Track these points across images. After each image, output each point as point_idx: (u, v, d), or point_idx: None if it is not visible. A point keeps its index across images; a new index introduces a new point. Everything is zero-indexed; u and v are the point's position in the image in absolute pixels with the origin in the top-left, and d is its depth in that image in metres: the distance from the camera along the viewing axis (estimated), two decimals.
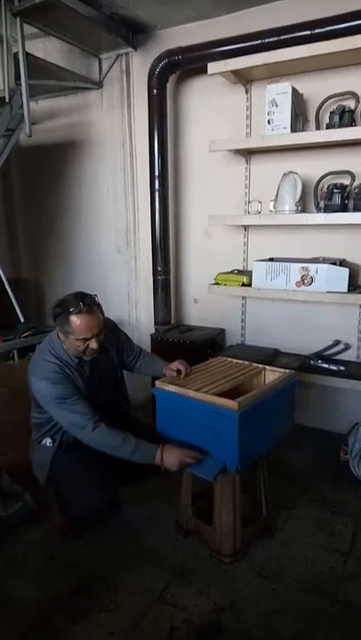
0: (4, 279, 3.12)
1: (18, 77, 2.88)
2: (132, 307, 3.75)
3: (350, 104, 2.59)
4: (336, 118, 2.57)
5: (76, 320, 1.87)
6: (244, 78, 2.91)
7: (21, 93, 2.89)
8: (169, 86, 3.14)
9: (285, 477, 2.58)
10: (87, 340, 1.91)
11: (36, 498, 2.27)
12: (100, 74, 3.55)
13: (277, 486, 2.37)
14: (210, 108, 3.16)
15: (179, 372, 2.08)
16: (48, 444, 2.05)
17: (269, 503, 2.13)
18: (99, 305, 1.97)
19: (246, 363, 2.25)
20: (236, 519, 1.93)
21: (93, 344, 1.92)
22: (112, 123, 3.57)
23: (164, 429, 2.01)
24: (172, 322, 3.45)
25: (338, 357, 2.92)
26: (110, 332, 2.15)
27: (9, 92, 2.87)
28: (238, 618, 1.71)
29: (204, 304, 3.45)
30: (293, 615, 1.72)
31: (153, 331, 3.36)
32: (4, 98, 2.87)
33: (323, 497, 2.43)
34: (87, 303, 1.89)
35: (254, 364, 2.22)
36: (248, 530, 2.02)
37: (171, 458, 1.82)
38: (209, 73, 2.77)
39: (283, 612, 1.73)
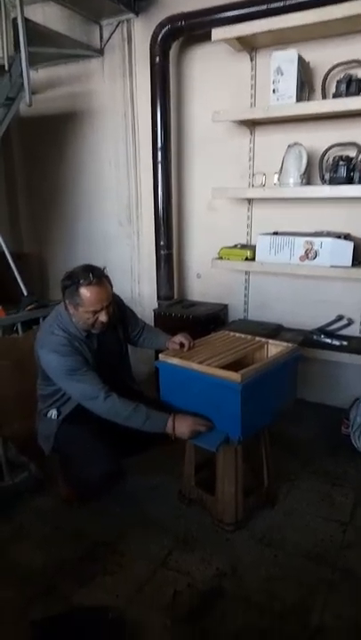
0: (6, 253, 3.10)
1: (17, 44, 2.80)
2: (135, 282, 3.74)
3: (358, 72, 2.52)
4: (343, 87, 2.50)
5: (85, 292, 1.87)
6: (249, 46, 2.82)
7: (21, 61, 2.81)
8: (172, 54, 3.05)
9: (287, 450, 2.61)
10: (97, 312, 1.91)
11: (41, 468, 2.31)
12: (100, 41, 3.45)
13: (279, 459, 2.40)
14: (214, 77, 3.08)
15: (182, 345, 2.09)
16: (53, 416, 2.07)
17: (271, 474, 2.16)
18: (107, 277, 1.97)
19: (249, 336, 2.25)
20: (238, 489, 1.96)
21: (103, 317, 1.92)
22: (113, 92, 3.49)
23: (167, 401, 2.02)
24: (175, 297, 3.44)
25: (341, 332, 2.92)
26: (117, 307, 2.15)
27: (8, 60, 2.79)
28: (240, 583, 1.76)
29: (207, 279, 3.43)
30: (294, 581, 1.76)
31: (156, 306, 3.36)
32: (4, 66, 2.79)
33: (324, 469, 2.46)
34: (97, 275, 1.89)
35: (257, 338, 2.22)
36: (250, 500, 2.06)
37: (182, 426, 1.84)
38: (213, 40, 2.69)
39: (283, 578, 1.78)
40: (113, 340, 2.14)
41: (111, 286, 1.98)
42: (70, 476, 2.13)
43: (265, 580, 1.76)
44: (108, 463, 1.92)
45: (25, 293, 3.08)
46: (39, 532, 2.05)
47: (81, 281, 1.86)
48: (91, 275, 1.87)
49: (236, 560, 1.86)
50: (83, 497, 2.17)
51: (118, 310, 2.17)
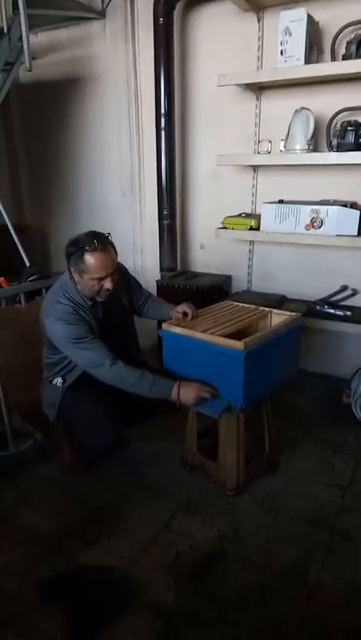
0: (8, 224, 3.08)
1: (15, 6, 2.70)
2: (138, 253, 3.71)
3: None
4: (353, 48, 2.41)
5: (90, 258, 1.86)
6: (256, 5, 2.72)
7: (20, 24, 2.72)
8: (176, 14, 2.95)
9: (289, 419, 2.63)
10: (102, 279, 1.90)
11: (46, 436, 2.34)
12: (102, 2, 3.34)
13: (281, 427, 2.42)
14: (219, 39, 2.98)
15: (185, 314, 2.09)
16: (59, 383, 2.09)
17: (273, 442, 2.19)
18: (112, 244, 1.95)
19: (253, 306, 2.24)
20: (240, 455, 1.99)
21: (108, 284, 1.92)
22: (116, 56, 3.39)
23: (170, 370, 2.03)
24: (178, 268, 3.42)
25: (345, 303, 2.90)
26: (121, 276, 2.14)
27: (7, 22, 2.70)
28: (241, 545, 1.80)
29: (210, 249, 3.40)
30: (293, 543, 1.80)
31: (159, 277, 3.34)
32: (2, 29, 2.71)
33: (325, 437, 2.49)
34: (101, 241, 1.88)
35: (261, 308, 2.21)
36: (251, 466, 2.09)
37: (188, 393, 1.85)
38: None
39: (283, 540, 1.82)
40: (118, 309, 2.14)
41: (116, 253, 1.96)
42: (74, 443, 2.16)
43: (265, 542, 1.81)
44: (111, 431, 1.95)
45: (27, 264, 3.07)
46: (45, 497, 2.09)
47: (85, 247, 1.85)
48: (95, 241, 1.85)
49: (237, 523, 1.90)
50: (86, 464, 2.21)
51: (123, 279, 2.17)
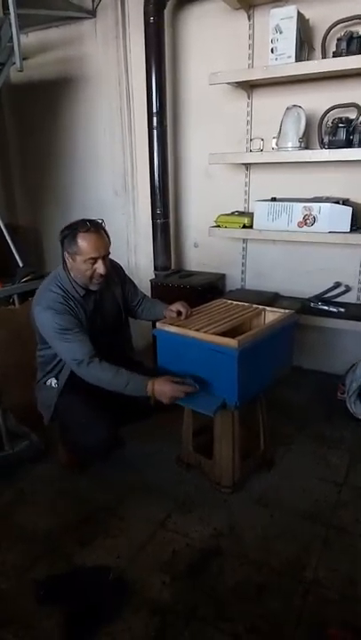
0: (1, 225, 3.06)
1: (5, 6, 2.69)
2: (131, 252, 3.71)
3: (359, 30, 2.43)
4: (343, 45, 2.42)
5: (83, 239, 1.89)
6: (246, 3, 2.72)
7: (10, 24, 2.71)
8: (166, 13, 2.94)
9: (284, 415, 2.65)
10: (95, 261, 1.92)
11: (41, 437, 2.34)
12: (92, 2, 3.33)
13: (276, 423, 2.44)
14: (210, 38, 2.98)
15: (179, 313, 2.09)
16: (53, 384, 2.09)
17: (268, 438, 2.20)
18: (105, 230, 1.98)
19: (246, 304, 2.25)
20: (235, 452, 2.00)
21: (101, 267, 1.93)
22: (107, 55, 3.38)
23: (165, 369, 2.03)
24: (172, 267, 3.42)
25: (338, 300, 2.92)
26: (115, 272, 2.17)
27: None
28: (237, 542, 1.81)
29: (204, 248, 3.40)
30: (290, 539, 1.81)
31: (152, 276, 3.34)
32: None
33: (320, 433, 2.50)
34: (94, 224, 1.93)
35: (254, 305, 2.22)
36: (247, 463, 2.10)
37: (162, 390, 1.84)
38: None
39: (279, 536, 1.83)
40: (110, 304, 2.15)
41: (108, 239, 1.99)
42: (69, 443, 2.16)
43: (261, 539, 1.81)
44: (105, 430, 1.95)
45: (21, 265, 3.06)
46: (41, 497, 2.09)
47: (79, 228, 1.90)
48: (88, 223, 1.92)
49: (233, 520, 1.91)
50: (82, 463, 2.21)
51: (117, 276, 2.19)
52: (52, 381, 2.09)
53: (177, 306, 2.11)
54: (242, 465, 2.05)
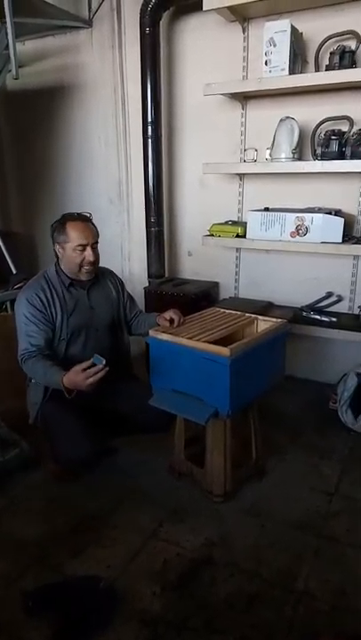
0: None
1: (2, 15, 2.71)
2: (125, 260, 3.72)
3: (351, 44, 2.48)
4: (336, 59, 2.46)
5: (71, 227, 2.00)
6: (241, 16, 2.76)
7: (7, 32, 2.74)
8: (162, 24, 2.98)
9: (276, 425, 2.64)
10: (83, 248, 2.00)
11: (33, 445, 2.32)
12: (89, 11, 3.36)
13: (268, 433, 2.43)
14: (205, 50, 3.02)
15: (172, 320, 2.09)
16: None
17: (260, 448, 2.20)
18: (93, 223, 2.08)
19: (239, 313, 2.26)
20: (227, 461, 1.99)
21: (90, 255, 2.01)
22: (103, 65, 3.41)
23: (157, 377, 2.04)
24: (166, 275, 3.43)
25: (330, 309, 2.94)
26: (110, 275, 2.27)
27: None
28: (228, 551, 1.80)
29: (198, 257, 3.42)
30: (281, 549, 1.81)
31: (146, 284, 3.35)
32: None
33: (311, 443, 2.51)
34: (81, 215, 2.06)
35: (247, 314, 2.23)
36: (238, 472, 2.10)
37: (73, 381, 1.82)
38: (204, 9, 2.62)
39: (271, 546, 1.82)
40: (103, 303, 2.19)
41: (97, 231, 2.08)
42: (53, 453, 2.16)
43: (253, 548, 1.81)
44: (87, 444, 1.95)
45: (14, 272, 3.07)
46: (31, 505, 2.07)
47: (67, 218, 2.03)
48: (76, 214, 2.05)
49: (224, 530, 1.90)
50: (70, 473, 2.19)
51: (114, 281, 2.27)
52: None
53: (169, 313, 2.12)
54: (233, 474, 2.05)
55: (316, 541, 1.84)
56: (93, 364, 1.82)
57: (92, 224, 2.08)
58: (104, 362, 1.81)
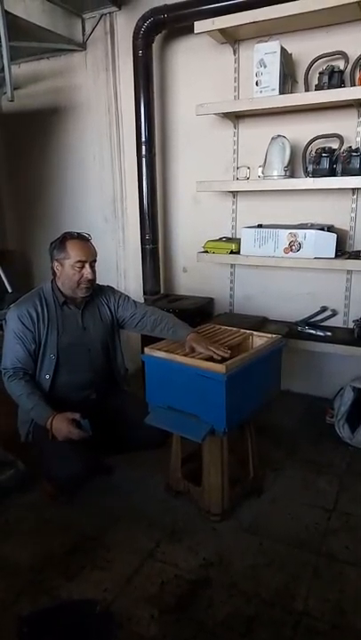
0: None
1: None
2: (121, 276, 3.74)
3: (340, 64, 2.54)
4: (325, 79, 2.51)
5: (70, 245, 2.02)
6: (231, 38, 2.83)
7: (2, 55, 2.79)
8: (155, 47, 3.05)
9: (273, 440, 2.63)
10: (82, 265, 2.01)
11: (28, 465, 2.30)
12: (83, 35, 3.43)
13: (265, 448, 2.42)
14: (197, 70, 3.08)
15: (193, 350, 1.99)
16: None
17: (257, 464, 2.18)
18: (91, 243, 2.11)
19: (234, 329, 2.26)
20: (224, 479, 1.98)
21: (88, 272, 2.02)
22: (97, 86, 3.47)
23: (153, 394, 2.03)
24: (162, 291, 3.44)
25: (325, 324, 2.95)
26: (109, 293, 2.27)
27: None
28: (226, 572, 1.77)
29: (193, 273, 3.44)
30: (279, 568, 1.78)
31: (142, 300, 3.35)
32: None
33: (309, 458, 2.49)
34: (81, 234, 2.09)
35: (242, 330, 2.23)
36: (236, 490, 2.08)
37: (58, 428, 1.93)
38: (196, 32, 2.69)
39: (269, 565, 1.80)
40: (95, 323, 2.19)
41: (95, 251, 2.10)
42: (46, 472, 2.14)
43: (251, 568, 1.78)
44: (82, 462, 1.93)
45: (9, 290, 3.07)
46: (26, 526, 2.04)
47: (67, 236, 2.05)
48: (76, 233, 2.08)
49: (222, 549, 1.87)
50: (61, 492, 2.17)
51: (114, 298, 2.25)
52: None
53: (196, 347, 1.96)
54: (231, 492, 2.03)
55: (315, 559, 1.82)
56: (80, 424, 1.94)
57: (92, 244, 2.11)
58: (90, 433, 1.95)
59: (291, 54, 2.68)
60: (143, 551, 1.88)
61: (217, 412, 1.82)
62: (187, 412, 1.92)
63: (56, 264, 2.06)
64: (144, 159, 3.11)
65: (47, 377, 2.08)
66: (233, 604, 1.64)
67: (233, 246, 2.88)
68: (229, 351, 1.95)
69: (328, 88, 2.50)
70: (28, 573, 1.78)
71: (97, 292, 2.25)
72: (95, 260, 2.08)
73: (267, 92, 2.57)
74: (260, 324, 2.97)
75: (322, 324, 2.94)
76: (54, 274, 2.10)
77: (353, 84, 2.53)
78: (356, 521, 2.02)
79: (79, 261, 2.01)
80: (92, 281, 2.07)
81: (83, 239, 2.07)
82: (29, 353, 2.05)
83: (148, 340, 2.23)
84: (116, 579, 1.75)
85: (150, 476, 2.30)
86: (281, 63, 2.52)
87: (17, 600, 1.67)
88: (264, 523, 2.02)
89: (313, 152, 2.67)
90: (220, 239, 3.04)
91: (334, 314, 2.97)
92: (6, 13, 2.71)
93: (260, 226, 2.83)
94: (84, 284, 2.04)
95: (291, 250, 2.65)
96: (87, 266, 2.03)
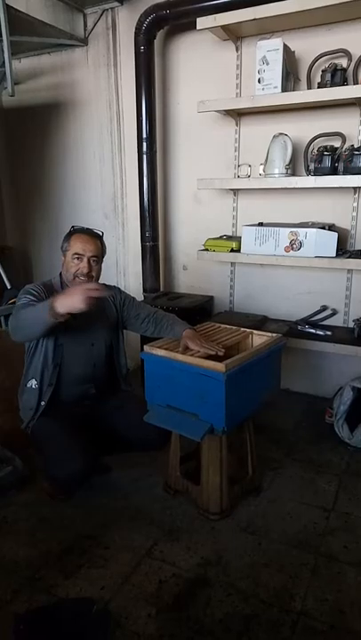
0: None
1: None
2: (121, 274, 3.72)
3: (342, 62, 2.53)
4: (328, 77, 2.50)
5: (74, 237, 2.05)
6: (234, 35, 2.81)
7: (2, 50, 2.77)
8: (157, 43, 3.03)
9: (272, 439, 2.63)
10: (80, 258, 2.01)
11: (27, 463, 2.29)
12: (85, 30, 3.41)
13: (264, 448, 2.42)
14: (199, 67, 3.06)
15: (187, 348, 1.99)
16: (34, 385, 2.09)
17: (256, 463, 2.17)
18: (102, 240, 2.11)
19: (234, 327, 2.25)
20: (223, 478, 1.97)
21: (84, 266, 2.01)
22: (98, 82, 3.45)
23: (152, 393, 2.02)
24: (161, 289, 3.43)
25: (325, 323, 2.94)
26: (115, 292, 2.25)
27: None
28: (225, 571, 1.76)
29: (193, 271, 3.43)
30: (278, 567, 1.78)
31: (142, 298, 3.34)
32: None
33: (308, 457, 2.49)
34: (90, 230, 2.10)
35: (242, 329, 2.23)
36: (235, 489, 2.07)
37: (64, 298, 1.75)
38: (198, 28, 2.68)
39: (267, 564, 1.79)
40: (100, 325, 2.16)
41: (103, 249, 2.10)
42: (46, 470, 2.13)
43: (249, 568, 1.78)
44: (78, 462, 1.91)
45: (8, 287, 3.06)
46: (23, 525, 2.03)
47: (76, 228, 2.10)
48: (85, 228, 2.10)
49: (220, 549, 1.87)
50: (61, 490, 2.16)
51: (120, 297, 2.24)
52: (33, 383, 2.09)
53: (194, 345, 1.96)
54: (230, 491, 2.02)
55: (314, 559, 1.81)
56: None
57: (101, 241, 2.09)
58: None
59: (293, 52, 2.66)
60: (141, 550, 1.87)
61: (216, 411, 1.82)
62: (186, 410, 1.91)
63: (62, 255, 2.09)
64: (145, 156, 3.10)
65: (48, 360, 2.06)
66: (231, 603, 1.63)
67: (233, 244, 2.87)
68: (224, 350, 1.94)
69: (331, 86, 2.49)
70: (26, 571, 1.78)
71: (109, 290, 2.23)
72: (97, 257, 2.06)
73: (269, 90, 2.55)
74: (260, 322, 2.96)
75: (322, 323, 2.93)
76: (62, 266, 2.12)
77: (356, 83, 2.52)
78: (355, 521, 2.02)
79: (76, 254, 2.01)
80: (90, 277, 2.04)
81: (89, 235, 2.06)
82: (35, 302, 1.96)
83: (147, 339, 2.23)
84: (113, 577, 1.74)
85: (149, 475, 2.30)
86: (283, 61, 2.51)
87: (14, 598, 1.66)
88: (263, 522, 2.01)
89: (315, 150, 2.65)
90: (221, 237, 3.03)
91: (334, 313, 2.96)
92: (7, 8, 2.69)
93: (260, 224, 2.81)
94: (80, 278, 2.03)
95: (291, 248, 2.64)
96: (85, 259, 2.02)
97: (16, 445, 2.27)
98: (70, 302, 1.72)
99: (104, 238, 2.13)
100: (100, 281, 2.28)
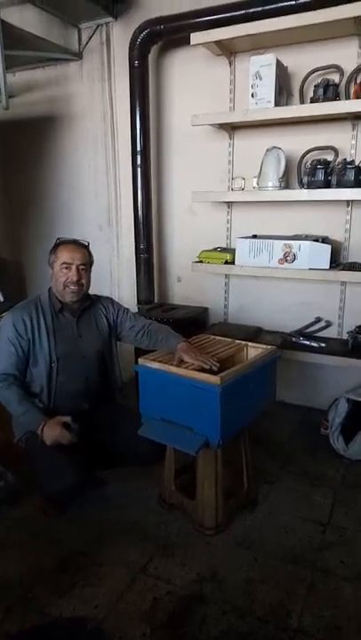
0: None
1: None
2: (115, 286, 3.72)
3: (335, 78, 2.56)
4: (320, 92, 2.53)
5: (61, 247, 2.07)
6: (227, 50, 2.84)
7: None
8: (151, 58, 3.06)
9: (267, 452, 2.61)
10: (68, 267, 2.02)
11: (19, 477, 2.26)
12: (79, 44, 3.44)
13: (259, 460, 2.40)
14: (193, 81, 3.09)
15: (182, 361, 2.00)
16: None
17: (251, 477, 2.16)
18: (89, 250, 2.14)
19: (229, 339, 2.25)
20: (218, 493, 1.95)
21: (73, 274, 2.02)
22: (92, 96, 3.47)
23: (146, 406, 2.01)
24: (156, 301, 3.43)
25: (319, 334, 2.94)
26: (107, 303, 2.27)
27: None
28: (220, 587, 1.74)
29: (187, 283, 3.43)
30: (273, 583, 1.75)
31: (136, 309, 3.33)
32: None
33: (303, 470, 2.47)
34: (76, 240, 2.12)
35: (237, 341, 2.22)
36: (230, 503, 2.05)
37: (49, 432, 1.94)
38: (192, 44, 2.70)
39: (263, 580, 1.77)
40: (91, 332, 2.18)
41: (90, 258, 2.13)
42: (38, 485, 2.10)
43: (245, 583, 1.75)
44: (73, 476, 1.91)
45: (2, 299, 3.04)
46: (17, 540, 2.00)
47: (62, 239, 2.12)
48: (71, 239, 2.12)
49: (216, 564, 1.84)
50: (53, 505, 2.13)
51: (112, 309, 2.26)
52: None
53: (188, 357, 1.96)
54: (225, 505, 2.01)
55: (310, 575, 1.79)
56: (69, 427, 1.97)
57: (88, 250, 2.12)
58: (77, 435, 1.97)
59: (286, 67, 2.70)
60: (135, 566, 1.84)
61: (212, 424, 1.80)
62: (181, 423, 1.90)
63: (50, 268, 2.10)
64: (139, 169, 3.11)
65: (40, 384, 2.07)
66: (227, 620, 1.61)
67: (228, 256, 2.88)
68: (218, 364, 1.94)
69: (323, 101, 2.52)
70: (18, 589, 1.74)
71: (95, 301, 2.24)
72: (85, 265, 2.08)
73: (262, 104, 2.58)
74: (255, 334, 2.97)
75: (316, 334, 2.94)
76: (51, 279, 2.12)
77: (348, 98, 2.55)
78: (351, 535, 2.00)
79: (64, 263, 2.03)
80: (80, 285, 2.06)
81: (75, 244, 2.09)
82: (21, 360, 2.05)
83: (141, 351, 2.22)
84: (107, 595, 1.71)
85: (143, 489, 2.27)
86: (276, 76, 2.54)
87: (5, 618, 1.62)
88: (258, 537, 1.99)
89: (308, 164, 2.68)
90: (215, 249, 3.04)
91: (328, 325, 2.97)
92: (2, 22, 2.71)
93: (254, 236, 2.83)
94: (70, 287, 2.04)
95: (285, 260, 2.65)
96: (73, 268, 2.03)
97: (10, 460, 2.24)
98: (56, 437, 1.93)
99: (98, 249, 2.16)
100: (95, 292, 2.29)
